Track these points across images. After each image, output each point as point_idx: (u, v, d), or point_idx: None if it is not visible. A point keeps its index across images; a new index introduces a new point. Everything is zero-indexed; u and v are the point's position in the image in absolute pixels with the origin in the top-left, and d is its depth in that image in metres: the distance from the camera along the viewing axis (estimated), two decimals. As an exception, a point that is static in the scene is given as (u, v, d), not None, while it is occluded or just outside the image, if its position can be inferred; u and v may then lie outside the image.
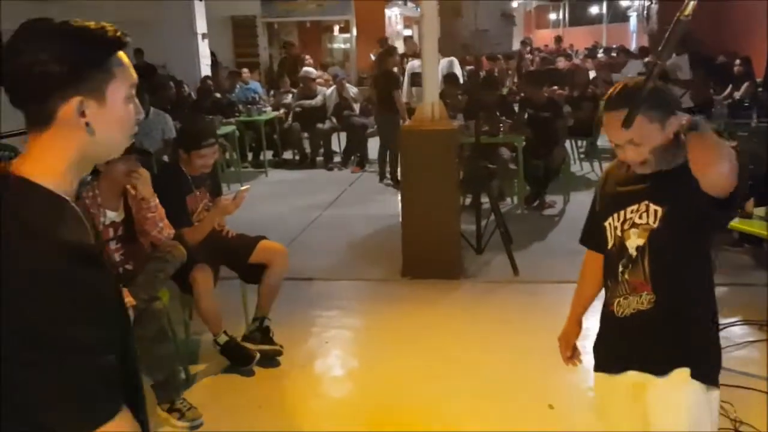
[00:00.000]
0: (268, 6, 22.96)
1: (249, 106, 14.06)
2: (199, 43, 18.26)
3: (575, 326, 3.44)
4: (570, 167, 11.44)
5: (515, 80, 17.04)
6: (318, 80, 15.88)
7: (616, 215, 2.98)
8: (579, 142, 13.10)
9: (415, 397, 5.31)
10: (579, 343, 3.40)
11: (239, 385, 5.57)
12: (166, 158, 8.14)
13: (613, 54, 22.82)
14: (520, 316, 6.60)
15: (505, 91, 12.91)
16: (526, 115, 10.37)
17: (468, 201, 9.32)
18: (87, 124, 1.79)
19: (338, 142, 15.06)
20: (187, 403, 5.06)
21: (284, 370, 5.80)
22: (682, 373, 2.84)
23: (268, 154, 14.63)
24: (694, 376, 2.83)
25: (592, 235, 3.21)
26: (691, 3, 2.41)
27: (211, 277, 5.59)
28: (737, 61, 13.54)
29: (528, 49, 20.92)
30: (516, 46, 19.86)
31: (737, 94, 11.56)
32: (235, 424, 5.07)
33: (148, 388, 4.70)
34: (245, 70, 16.25)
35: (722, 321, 4.71)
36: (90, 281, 1.72)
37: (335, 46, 27.40)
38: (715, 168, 2.56)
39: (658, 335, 2.91)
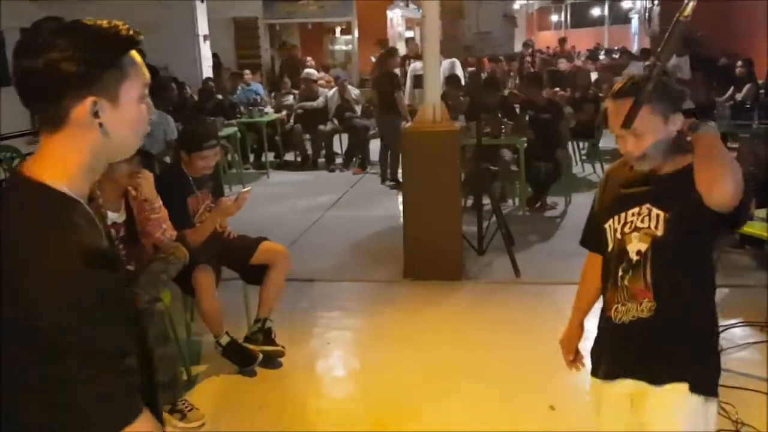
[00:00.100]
0: (269, 7, 22.95)
1: (250, 107, 14.07)
2: (200, 44, 18.26)
3: (577, 330, 3.41)
4: (572, 169, 11.42)
5: (517, 82, 17.04)
6: (320, 82, 15.89)
7: (616, 218, 2.95)
8: (580, 144, 13.09)
9: (416, 397, 5.32)
10: (580, 345, 3.40)
11: (241, 386, 5.58)
12: (167, 160, 8.15)
13: (615, 56, 22.82)
14: (522, 317, 6.60)
15: (506, 92, 12.90)
16: (527, 117, 10.36)
17: (469, 202, 9.31)
18: (100, 125, 1.77)
19: (340, 143, 15.08)
20: (188, 404, 5.06)
21: (286, 371, 5.80)
22: (680, 385, 2.81)
23: (270, 156, 14.64)
24: (693, 389, 2.80)
25: (593, 237, 3.18)
26: (691, 4, 2.42)
27: (213, 278, 5.59)
28: (739, 63, 13.54)
29: (530, 51, 20.91)
30: (518, 47, 19.90)
31: (739, 96, 11.55)
32: (236, 425, 5.07)
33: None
34: (247, 71, 16.24)
35: (723, 323, 4.72)
36: (107, 284, 1.70)
37: (337, 47, 27.39)
38: (720, 187, 2.56)
39: (657, 345, 2.88)
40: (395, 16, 26.39)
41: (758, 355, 5.66)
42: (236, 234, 6.09)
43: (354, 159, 14.50)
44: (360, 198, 11.95)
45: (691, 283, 2.86)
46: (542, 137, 10.09)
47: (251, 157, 14.83)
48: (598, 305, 3.17)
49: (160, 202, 5.12)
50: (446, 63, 12.49)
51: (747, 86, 11.67)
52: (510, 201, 10.82)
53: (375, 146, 13.69)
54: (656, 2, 25.31)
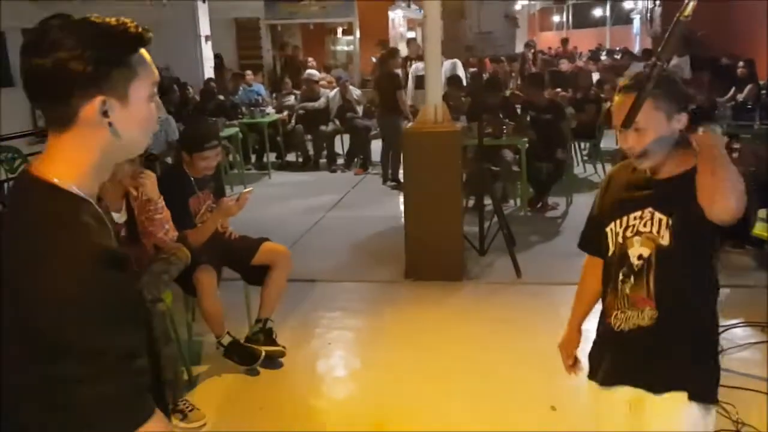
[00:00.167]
0: (271, 8, 22.95)
1: (252, 108, 14.08)
2: (202, 45, 18.27)
3: (576, 334, 3.39)
4: (573, 169, 11.43)
5: (518, 82, 17.04)
6: (321, 82, 15.89)
7: (618, 221, 2.92)
8: (582, 144, 13.10)
9: (417, 397, 5.32)
10: (581, 346, 3.39)
11: (242, 386, 5.59)
12: (169, 160, 8.16)
13: (617, 56, 22.82)
14: (523, 318, 6.61)
15: (508, 93, 12.90)
16: (528, 118, 10.37)
17: (471, 203, 9.31)
18: (110, 124, 1.75)
19: (341, 144, 15.09)
20: (189, 404, 5.07)
21: (287, 371, 5.81)
22: (680, 394, 2.79)
23: (272, 156, 14.65)
24: (693, 397, 2.79)
25: (591, 240, 3.16)
26: (691, 3, 2.42)
27: (215, 278, 5.60)
28: (740, 63, 13.55)
29: (532, 51, 20.90)
30: (519, 48, 19.90)
31: (740, 97, 11.56)
32: (237, 425, 5.08)
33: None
34: (249, 72, 16.25)
35: (723, 323, 4.72)
36: (117, 285, 1.69)
37: (338, 48, 27.40)
38: (722, 204, 2.55)
39: (657, 353, 2.85)
40: (397, 16, 26.36)
41: (759, 355, 5.66)
42: (238, 234, 6.09)
43: (355, 159, 14.50)
44: (361, 198, 11.96)
45: (694, 292, 2.84)
46: (544, 138, 10.09)
47: (253, 158, 14.82)
48: (598, 306, 3.16)
49: (163, 202, 5.13)
50: (448, 63, 12.50)
51: (748, 87, 11.67)
52: (511, 201, 10.82)
53: (376, 147, 13.69)
54: (658, 3, 25.31)
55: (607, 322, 2.97)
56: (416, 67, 13.37)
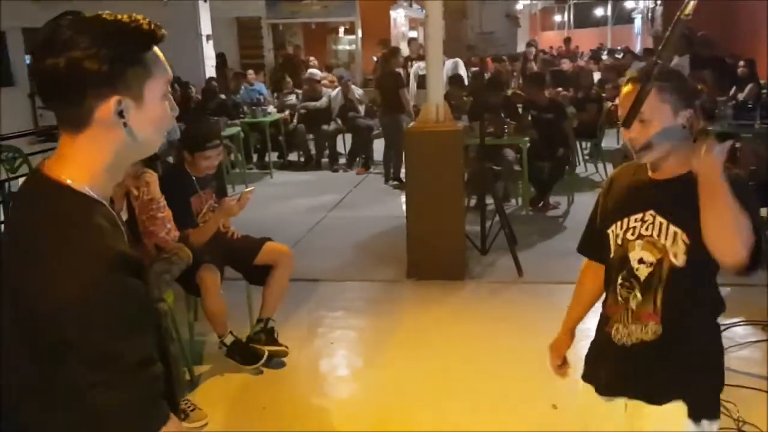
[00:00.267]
0: (273, 7, 22.98)
1: (254, 107, 14.07)
2: (203, 44, 18.28)
3: (568, 336, 3.35)
4: (575, 169, 11.43)
5: (520, 82, 17.04)
6: (323, 82, 15.90)
7: (619, 223, 2.87)
8: (583, 144, 13.11)
9: (419, 397, 5.33)
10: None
11: (244, 386, 5.59)
12: (170, 160, 8.17)
13: (618, 56, 22.80)
14: (525, 317, 6.61)
15: (509, 92, 12.91)
16: (529, 117, 10.37)
17: (473, 202, 9.33)
18: (125, 125, 1.73)
19: (343, 143, 15.11)
20: (191, 404, 5.08)
21: (289, 370, 5.82)
22: (681, 405, 2.76)
23: (273, 156, 14.67)
24: (695, 413, 2.75)
25: (591, 244, 3.12)
26: (692, 2, 2.42)
27: (219, 278, 5.60)
28: (741, 63, 13.53)
29: (533, 51, 20.90)
30: (521, 47, 19.89)
31: (741, 96, 11.54)
32: (239, 425, 5.09)
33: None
34: (250, 71, 16.26)
35: (724, 321, 4.71)
36: (132, 290, 1.67)
37: (340, 47, 27.43)
38: (731, 260, 2.52)
39: (659, 368, 2.80)
40: (398, 16, 26.37)
41: (759, 354, 5.67)
42: (240, 234, 6.10)
43: (357, 159, 14.52)
44: (363, 198, 11.97)
45: (701, 309, 2.79)
46: (545, 137, 10.10)
47: (254, 157, 14.83)
48: (598, 305, 3.15)
49: (165, 202, 5.13)
50: (449, 63, 12.50)
51: (749, 86, 11.65)
52: (513, 201, 10.82)
53: (378, 146, 13.71)
54: (659, 2, 25.30)
55: (607, 331, 2.92)
56: (418, 66, 13.36)
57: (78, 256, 1.61)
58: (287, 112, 14.82)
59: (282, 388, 5.62)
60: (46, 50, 1.66)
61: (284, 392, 5.57)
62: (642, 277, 2.79)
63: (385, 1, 24.84)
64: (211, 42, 18.70)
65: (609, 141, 13.53)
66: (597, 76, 16.74)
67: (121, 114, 1.71)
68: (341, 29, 26.74)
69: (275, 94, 16.10)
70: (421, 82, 12.27)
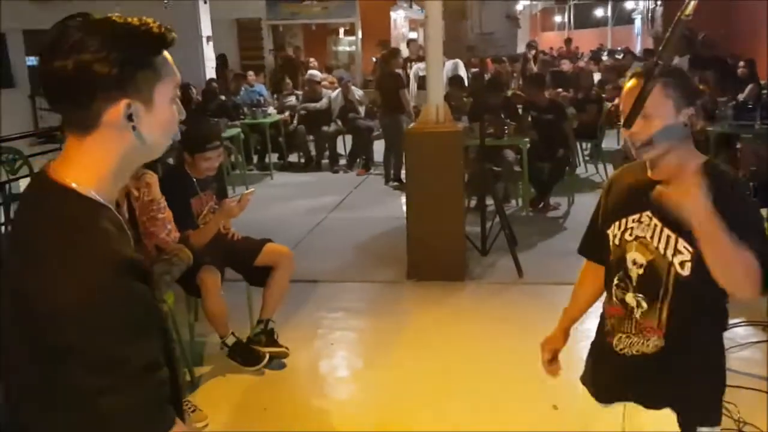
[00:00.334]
0: (272, 8, 22.98)
1: (254, 108, 14.07)
2: (203, 45, 18.28)
3: (561, 334, 3.32)
4: (575, 169, 11.43)
5: (520, 83, 17.05)
6: (323, 83, 15.90)
7: (617, 223, 2.85)
8: (584, 145, 13.11)
9: (419, 397, 5.33)
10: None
11: (244, 387, 5.59)
12: (170, 161, 8.16)
13: (618, 56, 22.81)
14: (525, 317, 6.61)
15: (509, 93, 12.92)
16: (529, 118, 10.38)
17: (473, 203, 9.33)
18: (134, 128, 1.71)
19: (343, 144, 15.11)
20: (191, 405, 5.07)
21: (289, 371, 5.82)
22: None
23: (274, 157, 14.68)
24: (696, 422, 2.73)
25: (591, 245, 3.11)
26: (692, 3, 2.41)
27: (219, 279, 5.61)
28: (741, 63, 13.54)
29: (533, 52, 20.92)
30: (521, 48, 19.89)
31: (741, 96, 11.55)
32: (240, 426, 5.09)
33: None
34: (250, 72, 16.26)
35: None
36: (140, 294, 1.66)
37: (340, 48, 27.42)
38: (738, 294, 2.50)
39: (658, 379, 2.78)
40: (398, 17, 26.39)
41: (760, 354, 5.66)
42: (240, 235, 6.10)
43: (358, 160, 14.52)
44: (364, 199, 11.98)
45: (705, 322, 2.74)
46: (545, 138, 10.11)
47: (255, 159, 14.84)
48: (597, 306, 3.14)
49: (165, 203, 5.13)
50: (449, 64, 12.50)
51: (749, 87, 11.66)
52: (513, 201, 10.83)
53: (379, 147, 13.71)
54: (659, 3, 25.29)
55: (608, 341, 2.89)
56: (418, 67, 13.36)
57: (83, 259, 1.60)
58: (287, 114, 14.82)
59: (282, 389, 5.63)
60: (55, 52, 1.64)
61: (284, 393, 5.57)
62: (633, 279, 2.78)
63: (385, 2, 24.85)
64: (211, 43, 18.70)
65: (609, 142, 13.53)
66: (597, 76, 16.74)
67: (130, 117, 1.70)
68: (341, 30, 26.73)
69: (275, 96, 16.11)
70: (422, 83, 12.27)
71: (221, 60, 19.38)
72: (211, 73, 18.15)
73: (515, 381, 5.42)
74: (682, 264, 2.64)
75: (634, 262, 2.77)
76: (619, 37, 36.82)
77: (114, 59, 1.64)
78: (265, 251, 5.96)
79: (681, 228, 2.60)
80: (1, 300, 1.69)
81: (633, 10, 35.45)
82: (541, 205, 10.45)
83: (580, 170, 12.40)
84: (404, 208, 7.86)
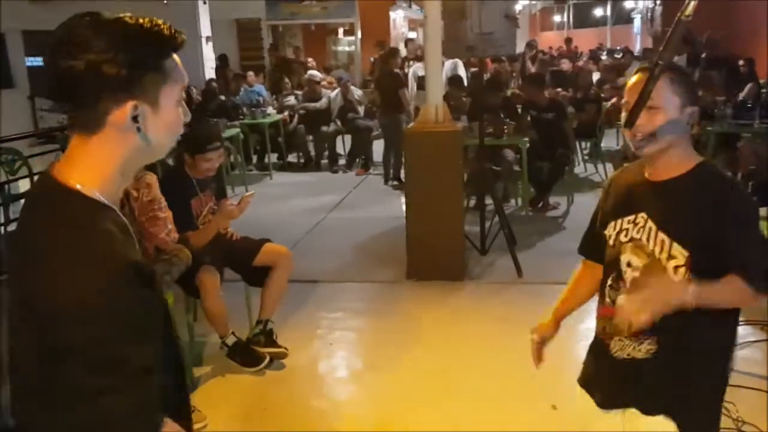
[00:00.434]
0: (272, 8, 22.98)
1: (253, 108, 14.07)
2: (203, 46, 18.27)
3: (554, 324, 3.25)
4: (574, 169, 11.44)
5: (519, 82, 17.06)
6: (321, 83, 15.91)
7: (613, 224, 2.83)
8: (583, 144, 13.11)
9: (419, 398, 5.33)
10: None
11: (243, 388, 5.59)
12: (170, 161, 8.16)
13: (617, 56, 22.82)
14: (524, 317, 6.51)
15: (509, 93, 12.92)
16: (528, 117, 10.38)
17: (472, 203, 9.33)
18: (139, 129, 1.70)
19: (343, 144, 15.11)
20: (191, 406, 5.06)
21: (289, 372, 5.82)
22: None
23: (273, 157, 14.68)
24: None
25: (590, 246, 3.09)
26: (692, 3, 2.41)
27: (218, 279, 5.61)
28: (741, 62, 13.55)
29: (533, 51, 20.90)
30: (520, 48, 19.89)
31: (740, 95, 11.55)
32: (239, 427, 5.09)
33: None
34: (250, 73, 16.25)
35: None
36: (142, 297, 1.66)
37: (340, 48, 27.43)
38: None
39: (652, 386, 2.74)
40: (398, 17, 26.40)
41: (759, 354, 5.66)
42: (239, 236, 6.10)
43: (357, 160, 14.53)
44: (363, 199, 11.98)
45: (703, 327, 2.62)
46: (545, 137, 10.11)
47: (254, 159, 14.84)
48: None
49: (165, 203, 5.13)
50: (449, 63, 12.50)
51: (749, 86, 11.66)
52: (512, 201, 10.83)
53: (378, 147, 13.71)
54: (658, 2, 25.31)
55: (605, 343, 2.86)
56: (416, 67, 13.36)
57: (85, 260, 1.60)
58: (286, 113, 14.82)
59: (282, 389, 5.62)
60: (62, 50, 1.63)
61: (284, 393, 5.57)
62: (627, 281, 2.75)
63: (384, 2, 24.85)
64: (210, 43, 18.71)
65: (609, 141, 13.53)
66: (596, 76, 16.75)
67: (135, 119, 1.69)
68: (341, 30, 26.73)
69: (274, 96, 16.12)
70: (421, 83, 12.27)
71: (222, 60, 19.39)
72: (210, 73, 18.16)
73: (515, 381, 5.41)
74: (675, 269, 2.61)
75: (629, 264, 2.75)
76: (618, 36, 36.82)
77: (122, 60, 1.63)
78: (263, 251, 5.96)
79: (676, 232, 2.61)
80: (4, 300, 1.70)
81: (632, 10, 35.47)
82: (540, 205, 10.45)
83: (579, 170, 12.40)
84: (404, 207, 7.85)
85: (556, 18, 42.70)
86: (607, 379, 2.90)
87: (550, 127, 10.25)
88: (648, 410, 2.77)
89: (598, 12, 40.35)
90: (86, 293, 1.57)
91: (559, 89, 13.51)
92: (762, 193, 6.75)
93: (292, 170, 14.71)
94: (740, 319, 2.77)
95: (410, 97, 12.86)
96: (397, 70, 13.10)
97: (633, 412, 2.83)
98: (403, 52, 16.12)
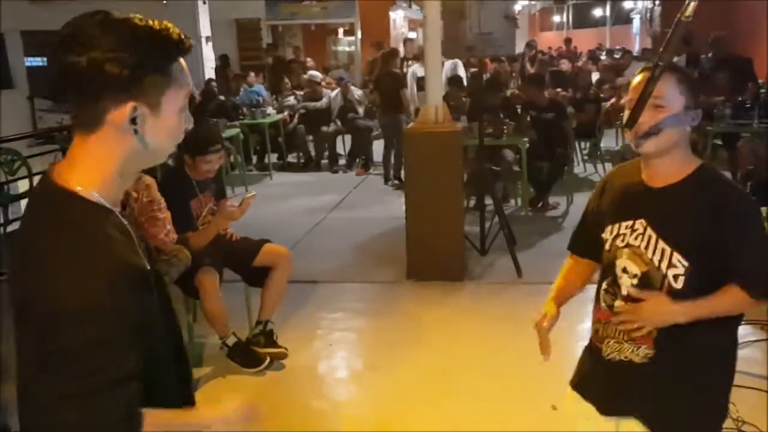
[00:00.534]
0: (272, 8, 22.97)
1: (253, 109, 14.07)
2: (202, 46, 18.26)
3: (557, 311, 3.18)
4: (573, 169, 11.44)
5: (519, 82, 17.07)
6: (322, 83, 15.91)
7: (610, 227, 2.79)
8: (582, 144, 13.11)
9: (419, 398, 5.33)
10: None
11: (243, 388, 5.58)
12: (170, 162, 8.16)
13: (616, 56, 22.83)
14: (524, 317, 6.50)
15: (509, 93, 12.92)
16: (528, 118, 10.38)
17: (472, 203, 9.33)
18: (136, 132, 1.70)
19: (343, 144, 15.11)
20: (191, 406, 5.06)
21: (289, 372, 5.81)
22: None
23: (273, 157, 14.67)
24: None
25: (581, 243, 3.10)
26: (692, 4, 2.40)
27: (217, 280, 5.60)
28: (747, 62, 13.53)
29: (533, 51, 20.92)
30: (519, 48, 19.91)
31: (744, 97, 11.53)
32: (239, 427, 5.07)
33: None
34: (251, 73, 16.25)
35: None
36: (139, 303, 1.66)
37: (340, 48, 27.43)
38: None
39: (650, 393, 2.71)
40: (398, 17, 26.40)
41: (759, 354, 5.66)
42: (239, 236, 6.09)
43: (357, 160, 14.53)
44: (363, 199, 11.98)
45: (701, 332, 2.60)
46: (544, 138, 10.11)
47: (254, 159, 14.84)
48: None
49: (164, 204, 5.13)
50: (448, 64, 12.49)
51: (748, 86, 11.65)
52: (512, 201, 10.83)
53: (378, 147, 13.71)
54: (657, 2, 25.31)
55: (597, 346, 2.85)
56: (415, 68, 13.35)
57: (81, 263, 1.60)
58: (286, 113, 14.81)
59: (281, 390, 5.62)
60: (69, 46, 1.63)
61: (283, 394, 5.57)
62: (623, 287, 2.73)
63: (384, 2, 24.85)
64: (210, 44, 18.70)
65: (608, 141, 13.53)
66: (595, 76, 16.76)
67: (134, 121, 1.69)
68: (341, 30, 26.73)
69: (274, 96, 16.12)
70: (421, 83, 12.26)
71: (223, 60, 19.39)
72: (210, 73, 18.14)
73: (515, 381, 5.42)
74: (675, 277, 2.59)
75: (625, 270, 2.72)
76: (617, 36, 36.88)
77: (126, 61, 1.63)
78: (263, 252, 5.95)
79: (676, 240, 2.59)
80: (5, 301, 1.70)
81: (631, 10, 35.53)
82: (540, 205, 10.45)
83: (578, 170, 12.40)
84: (404, 208, 7.85)
85: (556, 18, 42.77)
86: (603, 383, 2.87)
87: (550, 127, 10.25)
88: (647, 418, 2.73)
89: (598, 12, 40.42)
90: (77, 297, 1.57)
91: (559, 89, 13.51)
92: (761, 192, 6.74)
93: (292, 170, 14.71)
94: (741, 318, 2.76)
95: (411, 99, 12.85)
96: (396, 70, 13.09)
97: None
98: (402, 51, 16.13)
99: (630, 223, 2.72)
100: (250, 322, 6.09)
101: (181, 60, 1.76)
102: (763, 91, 11.75)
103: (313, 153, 14.87)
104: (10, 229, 9.18)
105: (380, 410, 5.25)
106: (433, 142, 7.49)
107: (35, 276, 1.62)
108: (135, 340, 1.66)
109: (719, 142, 10.95)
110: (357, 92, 15.20)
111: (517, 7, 27.03)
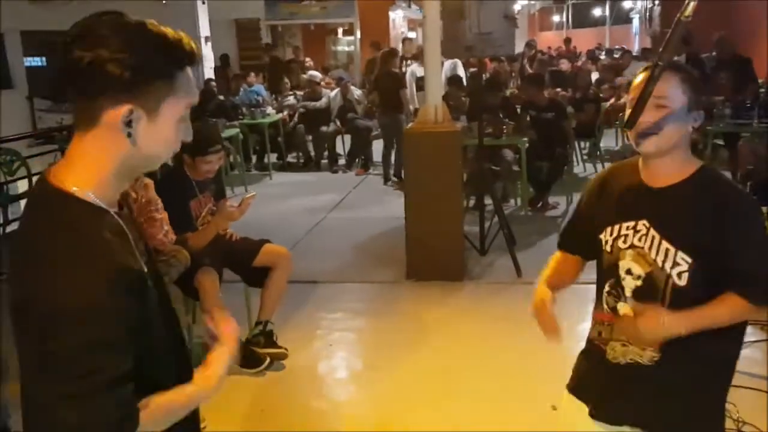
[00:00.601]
0: (271, 8, 22.95)
1: (252, 108, 14.06)
2: (202, 46, 18.23)
3: (551, 294, 3.08)
4: (573, 169, 11.44)
5: (518, 82, 17.07)
6: (321, 83, 15.91)
7: (609, 228, 2.75)
8: (582, 144, 13.11)
9: (419, 398, 5.33)
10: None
11: (243, 389, 5.57)
12: (169, 162, 8.17)
13: (616, 56, 22.84)
14: (524, 317, 6.49)
15: (508, 93, 12.93)
16: (528, 117, 10.38)
17: (471, 203, 9.33)
18: (129, 134, 1.70)
19: (342, 144, 15.10)
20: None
21: (288, 372, 5.81)
22: None
23: (273, 157, 14.66)
24: None
25: (572, 240, 3.06)
26: (692, 4, 2.39)
27: (217, 280, 5.59)
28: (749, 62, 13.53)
29: (533, 51, 20.93)
30: (519, 48, 19.92)
31: (746, 97, 11.54)
32: (239, 427, 5.08)
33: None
34: (252, 73, 16.24)
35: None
36: (133, 305, 1.67)
37: (339, 48, 27.41)
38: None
39: (656, 397, 2.68)
40: (397, 17, 26.40)
41: (760, 354, 5.66)
42: (238, 236, 6.09)
43: (357, 160, 14.53)
44: (363, 199, 11.98)
45: (707, 336, 2.54)
46: (544, 137, 10.12)
47: (254, 159, 14.83)
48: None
49: (162, 204, 5.12)
50: (448, 64, 12.49)
51: (748, 85, 11.65)
52: (512, 201, 10.83)
53: (378, 147, 13.70)
54: (657, 2, 25.31)
55: (601, 349, 2.81)
56: (414, 67, 13.34)
57: (75, 266, 1.61)
58: (285, 113, 14.80)
59: (281, 390, 5.62)
60: (77, 42, 1.64)
61: (283, 394, 5.57)
62: (627, 288, 2.70)
63: (383, 2, 24.84)
64: (209, 44, 18.67)
65: (607, 141, 13.53)
66: (595, 76, 16.77)
67: (129, 123, 1.69)
68: (340, 30, 26.71)
69: (273, 96, 16.11)
70: (420, 83, 12.26)
71: (223, 60, 19.38)
72: (209, 73, 18.11)
73: (515, 381, 5.42)
74: (679, 275, 2.57)
75: (629, 272, 2.69)
76: (617, 36, 36.94)
77: (129, 63, 1.63)
78: (263, 252, 5.95)
79: (678, 240, 2.57)
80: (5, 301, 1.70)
81: (631, 10, 35.57)
82: (539, 205, 10.45)
83: (578, 169, 12.41)
84: (403, 207, 7.84)
85: (555, 18, 42.81)
86: (603, 384, 2.84)
87: (550, 127, 10.26)
88: (646, 419, 2.72)
89: (597, 12, 40.46)
90: (82, 296, 1.58)
91: (558, 89, 13.51)
92: (761, 192, 6.74)
93: (292, 170, 14.71)
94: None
95: (411, 100, 12.84)
96: (395, 70, 13.09)
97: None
98: (401, 51, 16.13)
99: (632, 223, 2.69)
100: (249, 323, 6.08)
101: (189, 70, 1.77)
102: (763, 90, 11.75)
103: (312, 153, 14.87)
104: (9, 229, 9.18)
105: (380, 410, 5.25)
106: (432, 142, 7.48)
107: (34, 277, 1.63)
108: (131, 341, 1.67)
109: (720, 142, 10.94)
110: (356, 92, 15.22)
111: (517, 7, 27.00)
